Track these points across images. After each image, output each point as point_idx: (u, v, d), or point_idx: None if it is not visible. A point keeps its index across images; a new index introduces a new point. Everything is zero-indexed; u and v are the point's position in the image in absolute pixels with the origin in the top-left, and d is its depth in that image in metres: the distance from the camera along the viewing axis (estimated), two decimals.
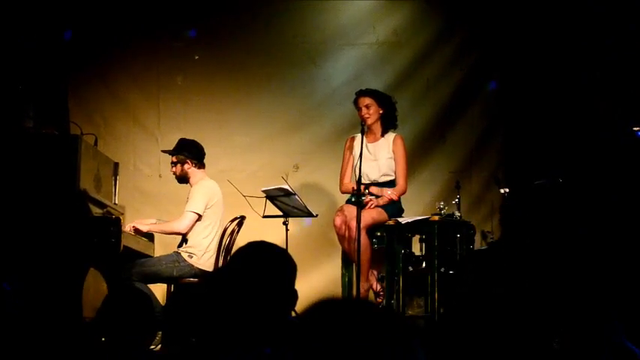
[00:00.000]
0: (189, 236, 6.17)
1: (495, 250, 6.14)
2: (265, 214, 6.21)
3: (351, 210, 5.92)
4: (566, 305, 2.24)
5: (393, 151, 6.22)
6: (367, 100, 6.22)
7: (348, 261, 6.15)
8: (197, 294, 5.96)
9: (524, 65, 7.35)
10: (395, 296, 6.00)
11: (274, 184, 6.24)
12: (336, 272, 6.47)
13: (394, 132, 6.32)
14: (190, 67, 7.67)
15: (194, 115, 7.63)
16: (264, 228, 6.12)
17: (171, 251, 6.25)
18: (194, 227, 6.16)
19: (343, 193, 6.43)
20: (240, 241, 6.05)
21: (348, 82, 7.49)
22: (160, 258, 6.21)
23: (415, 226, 6.07)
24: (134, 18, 7.55)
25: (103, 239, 5.48)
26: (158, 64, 7.66)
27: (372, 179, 6.19)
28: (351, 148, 6.34)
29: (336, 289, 6.25)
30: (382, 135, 6.27)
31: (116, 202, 6.49)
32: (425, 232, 6.10)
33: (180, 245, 6.23)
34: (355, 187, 5.92)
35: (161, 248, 6.70)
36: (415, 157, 7.26)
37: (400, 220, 6.06)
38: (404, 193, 6.26)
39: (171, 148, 6.41)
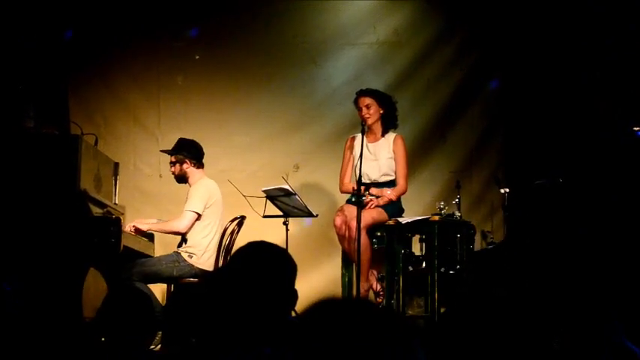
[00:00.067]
0: (188, 236, 6.17)
1: (497, 251, 6.14)
2: (265, 214, 6.21)
3: (352, 210, 5.92)
4: (566, 305, 2.24)
5: (394, 151, 6.22)
6: (367, 100, 6.22)
7: (348, 261, 6.15)
8: (197, 294, 5.96)
9: (524, 65, 7.35)
10: (395, 296, 6.00)
11: (274, 183, 6.24)
12: (336, 272, 6.47)
13: (395, 132, 6.33)
14: (191, 67, 7.67)
15: (194, 114, 7.63)
16: (265, 228, 6.13)
17: (171, 251, 6.25)
18: (193, 227, 6.16)
19: (343, 192, 6.43)
20: (241, 241, 6.04)
21: (348, 82, 7.49)
22: (160, 258, 6.21)
23: (415, 226, 6.07)
24: (134, 18, 7.55)
25: (103, 239, 5.48)
26: (158, 64, 7.66)
27: (373, 179, 6.19)
28: (351, 147, 6.34)
29: (336, 289, 6.25)
30: (383, 135, 6.27)
31: (116, 202, 6.49)
32: (425, 232, 6.10)
33: (179, 245, 6.23)
34: (355, 187, 5.92)
35: (161, 248, 6.70)
36: (415, 157, 7.26)
37: (400, 220, 6.06)
38: (404, 193, 6.26)
39: (171, 147, 6.42)
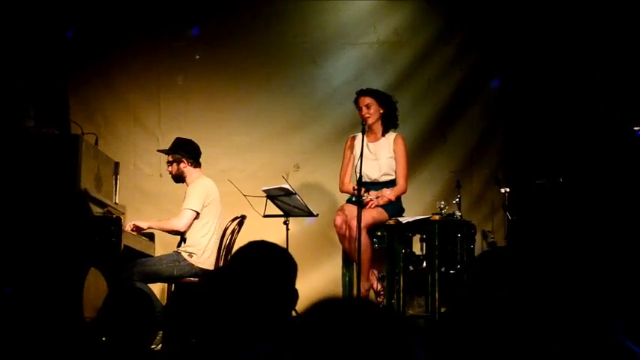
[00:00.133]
0: (187, 235, 6.17)
1: (500, 252, 6.13)
2: (266, 213, 6.22)
3: (352, 209, 5.92)
4: (566, 305, 2.24)
5: (394, 151, 6.22)
6: (367, 100, 6.22)
7: (349, 260, 6.15)
8: (197, 293, 5.96)
9: (524, 65, 7.35)
10: (395, 296, 6.01)
11: (275, 183, 6.25)
12: (336, 272, 6.47)
13: (395, 131, 6.33)
14: (191, 66, 7.67)
15: (194, 114, 7.63)
16: (265, 227, 6.13)
17: (172, 251, 6.26)
18: (192, 226, 6.16)
19: (343, 192, 6.44)
20: (241, 240, 6.04)
21: (348, 82, 7.49)
22: (160, 257, 6.21)
23: (416, 226, 6.07)
24: (134, 18, 7.55)
25: (104, 239, 5.48)
26: (159, 63, 7.66)
27: (373, 179, 6.19)
28: (351, 147, 6.34)
29: (337, 289, 6.25)
30: (383, 134, 6.27)
31: (117, 201, 6.50)
32: (425, 231, 6.10)
33: (179, 245, 6.23)
34: (355, 187, 5.92)
35: (161, 248, 6.71)
36: (416, 157, 7.26)
37: (401, 219, 6.06)
38: (404, 192, 6.26)
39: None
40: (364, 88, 6.37)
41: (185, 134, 6.59)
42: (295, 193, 6.13)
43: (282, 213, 6.29)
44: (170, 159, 6.34)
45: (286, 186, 6.11)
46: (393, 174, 6.23)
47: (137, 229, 6.16)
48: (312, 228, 7.26)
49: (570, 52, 7.05)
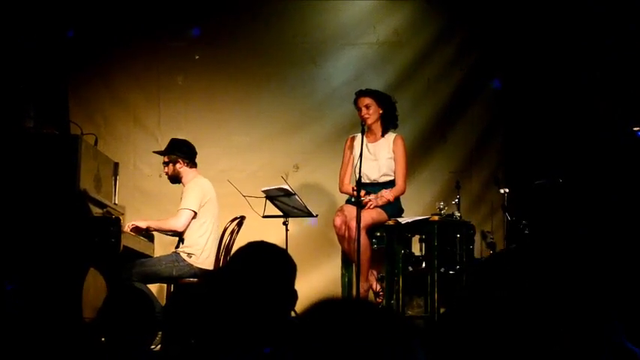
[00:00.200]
0: (185, 236, 6.17)
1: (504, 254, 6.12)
2: (265, 214, 6.22)
3: (351, 210, 5.92)
4: (566, 305, 2.24)
5: (393, 151, 6.22)
6: (367, 100, 6.22)
7: (348, 261, 6.15)
8: (197, 294, 5.96)
9: (524, 65, 7.35)
10: (395, 296, 6.00)
11: (274, 184, 6.24)
12: (335, 272, 6.47)
13: (395, 132, 6.33)
14: (191, 67, 7.67)
15: (194, 114, 7.63)
16: (264, 228, 6.12)
17: (171, 251, 6.26)
18: (190, 226, 6.16)
19: (343, 193, 6.44)
20: (240, 241, 6.04)
21: (348, 82, 7.49)
22: (159, 258, 6.22)
23: (415, 226, 6.07)
24: (134, 18, 7.55)
25: (103, 239, 5.48)
26: (158, 64, 7.66)
27: (372, 179, 6.19)
28: (351, 147, 6.34)
29: (336, 289, 6.24)
30: (382, 135, 6.27)
31: (116, 202, 6.50)
32: (425, 232, 6.10)
33: (177, 246, 6.24)
34: (355, 188, 5.92)
35: (161, 248, 6.71)
36: (415, 157, 7.26)
37: (400, 220, 6.06)
38: (402, 193, 6.25)
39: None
40: (364, 88, 6.37)
41: (185, 134, 6.58)
42: (295, 194, 6.13)
43: (281, 213, 6.29)
44: (166, 160, 6.35)
45: (286, 186, 6.11)
46: (393, 174, 6.22)
47: (136, 230, 6.16)
48: (311, 228, 7.26)
49: (570, 52, 7.05)
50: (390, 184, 6.20)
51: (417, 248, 6.26)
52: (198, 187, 6.22)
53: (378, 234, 6.10)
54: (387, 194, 6.08)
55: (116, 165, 6.59)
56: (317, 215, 6.36)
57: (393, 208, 6.14)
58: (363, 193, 5.94)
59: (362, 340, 1.29)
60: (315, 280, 7.01)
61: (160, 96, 7.67)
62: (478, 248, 6.59)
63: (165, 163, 6.35)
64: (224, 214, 6.37)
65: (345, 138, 6.55)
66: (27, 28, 6.72)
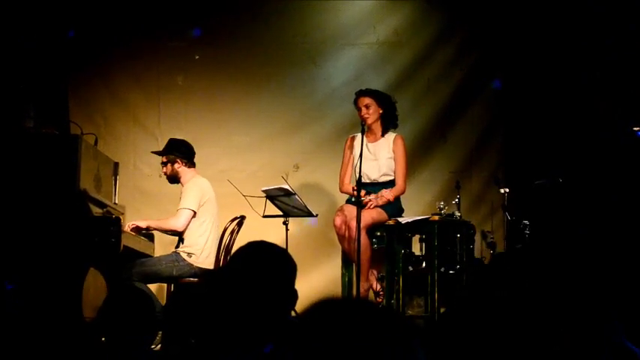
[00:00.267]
0: (185, 236, 6.18)
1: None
2: (265, 213, 6.21)
3: (351, 210, 5.92)
4: (566, 305, 2.24)
5: (393, 151, 6.22)
6: (367, 100, 6.22)
7: (348, 261, 6.15)
8: (197, 294, 5.96)
9: (524, 65, 7.35)
10: (395, 296, 6.00)
11: (274, 183, 6.24)
12: (336, 272, 6.47)
13: (395, 132, 6.32)
14: (191, 66, 7.67)
15: (194, 114, 7.63)
16: (265, 228, 6.12)
17: (171, 251, 6.26)
18: (189, 226, 6.16)
19: (343, 192, 6.44)
20: (241, 240, 6.04)
21: (348, 82, 7.49)
22: (159, 258, 6.22)
23: (415, 226, 6.07)
24: (134, 18, 7.55)
25: (103, 239, 5.48)
26: (158, 63, 7.66)
27: (372, 179, 6.19)
28: (351, 147, 6.34)
29: (336, 289, 6.24)
30: (382, 135, 6.27)
31: (116, 201, 6.50)
32: (425, 231, 6.10)
33: (177, 246, 6.24)
34: (355, 188, 5.92)
35: (161, 248, 6.71)
36: (415, 157, 7.26)
37: (400, 219, 6.06)
38: (402, 193, 6.25)
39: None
40: (364, 88, 6.37)
41: (185, 134, 6.58)
42: (295, 194, 6.13)
43: (281, 213, 6.29)
44: (164, 160, 6.35)
45: (286, 186, 6.11)
46: (393, 174, 6.22)
47: (136, 229, 6.16)
48: (311, 228, 7.26)
49: (570, 52, 7.05)
50: (390, 183, 6.20)
51: (417, 248, 6.26)
52: (197, 186, 6.23)
53: (378, 234, 6.10)
54: (387, 194, 6.08)
55: (116, 165, 6.59)
56: (317, 215, 6.36)
57: (393, 207, 6.14)
58: (363, 192, 5.94)
59: (362, 340, 1.29)
60: (316, 280, 7.01)
61: (160, 96, 7.67)
62: (478, 248, 6.59)
63: (164, 164, 6.36)
64: (224, 214, 6.37)
65: (345, 138, 6.55)
66: (27, 28, 6.72)
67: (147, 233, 6.45)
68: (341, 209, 6.14)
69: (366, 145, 6.07)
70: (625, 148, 6.46)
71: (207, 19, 7.67)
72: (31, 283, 5.21)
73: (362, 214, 5.72)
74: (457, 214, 6.14)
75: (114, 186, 6.52)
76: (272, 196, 6.21)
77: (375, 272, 6.16)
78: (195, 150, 6.44)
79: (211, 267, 6.15)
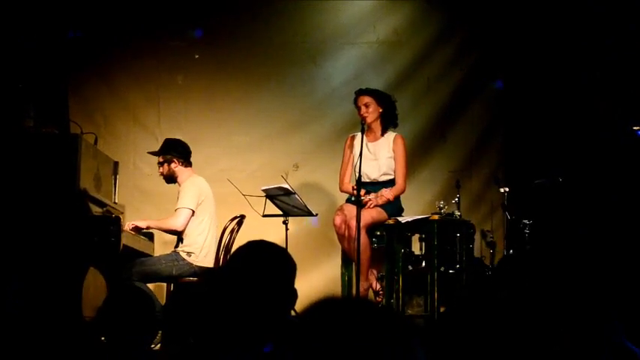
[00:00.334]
0: (184, 235, 6.18)
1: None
2: (265, 213, 6.22)
3: (351, 209, 5.92)
4: (567, 305, 2.24)
5: (393, 151, 6.22)
6: (366, 99, 6.22)
7: (348, 260, 6.15)
8: (197, 293, 5.96)
9: (524, 65, 7.35)
10: (395, 295, 6.00)
11: (274, 183, 6.24)
12: (335, 271, 6.47)
13: (395, 131, 6.32)
14: (191, 66, 7.67)
15: (194, 114, 7.63)
16: (264, 227, 6.13)
17: (170, 251, 6.26)
18: (188, 225, 6.16)
19: (343, 192, 6.43)
20: (240, 240, 6.04)
21: (348, 82, 7.49)
22: (159, 257, 6.22)
23: (415, 226, 6.07)
24: (134, 17, 7.55)
25: (103, 238, 5.48)
26: (158, 63, 7.66)
27: (372, 178, 6.19)
28: (351, 146, 6.34)
29: (336, 289, 6.24)
30: (382, 134, 6.27)
31: (116, 201, 6.50)
32: (425, 231, 6.10)
33: (176, 246, 6.24)
34: (355, 187, 5.92)
35: (160, 247, 6.71)
36: (415, 157, 7.26)
37: (400, 219, 6.06)
38: (402, 192, 6.25)
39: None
40: (363, 87, 6.37)
41: (185, 134, 6.58)
42: (294, 193, 6.13)
43: (281, 213, 6.29)
44: (161, 160, 6.35)
45: (285, 186, 6.11)
46: (393, 174, 6.22)
47: (136, 229, 6.17)
48: (311, 228, 7.26)
49: (570, 52, 7.05)
50: (390, 183, 6.20)
51: (416, 247, 6.26)
52: (194, 185, 6.23)
53: (378, 233, 6.10)
54: (387, 193, 6.08)
55: (116, 164, 6.59)
56: (317, 214, 6.36)
57: (393, 207, 6.14)
58: (363, 192, 5.94)
59: (362, 340, 1.29)
60: (315, 279, 7.01)
61: (160, 95, 7.67)
62: (478, 247, 6.60)
63: (160, 164, 6.36)
64: (224, 214, 6.37)
65: (344, 137, 6.54)
66: (27, 28, 6.72)
67: (146, 232, 6.46)
68: (341, 209, 6.14)
69: (366, 144, 6.07)
70: (625, 148, 6.46)
71: (207, 19, 7.67)
72: (31, 282, 5.21)
73: (362, 213, 5.72)
74: (457, 213, 6.14)
75: (114, 185, 6.52)
76: (272, 195, 6.21)
77: (374, 272, 6.16)
78: (195, 150, 6.44)
79: (211, 265, 6.16)
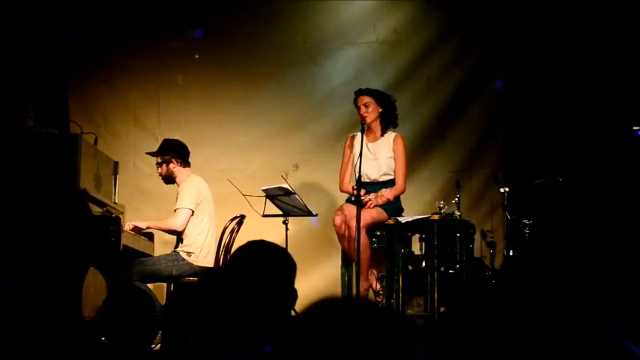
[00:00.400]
0: (184, 235, 6.18)
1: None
2: (265, 213, 6.21)
3: (351, 209, 5.92)
4: (567, 305, 2.24)
5: (393, 150, 6.22)
6: (366, 99, 6.22)
7: (348, 260, 6.15)
8: (197, 293, 5.96)
9: (524, 65, 7.35)
10: (395, 295, 6.00)
11: (274, 183, 6.24)
12: (335, 271, 6.46)
13: (395, 131, 6.32)
14: (191, 66, 7.67)
15: (194, 114, 7.63)
16: (264, 227, 6.13)
17: (170, 251, 6.26)
18: (188, 225, 6.17)
19: (343, 192, 6.43)
20: (240, 240, 6.04)
21: (348, 81, 7.49)
22: (159, 257, 6.22)
23: (415, 226, 6.07)
24: (134, 18, 7.55)
25: (103, 238, 5.48)
26: (158, 63, 7.66)
27: (372, 178, 6.19)
28: (351, 146, 6.34)
29: (336, 289, 6.24)
30: (382, 134, 6.27)
31: (116, 201, 6.50)
32: (425, 231, 6.10)
33: (176, 246, 6.25)
34: (355, 187, 5.92)
35: (160, 247, 6.71)
36: (415, 157, 7.26)
37: (400, 219, 6.06)
38: (402, 192, 6.25)
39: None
40: (363, 87, 6.37)
41: (185, 134, 6.59)
42: (294, 193, 6.13)
43: (281, 213, 6.29)
44: (159, 160, 6.35)
45: (285, 186, 6.11)
46: (393, 174, 6.22)
47: (136, 229, 6.17)
48: (311, 228, 7.26)
49: (570, 52, 7.05)
50: (390, 183, 6.20)
51: (416, 247, 6.26)
52: (193, 185, 6.23)
53: (378, 233, 6.10)
54: (387, 193, 6.08)
55: (116, 164, 6.59)
56: (317, 214, 6.36)
57: (393, 207, 6.14)
58: (363, 192, 5.94)
59: (362, 340, 1.29)
60: (315, 280, 7.01)
61: (160, 95, 7.67)
62: (478, 247, 6.60)
63: (159, 164, 6.36)
64: (224, 214, 6.37)
65: (344, 137, 6.54)
66: (27, 28, 6.72)
67: (146, 232, 6.45)
68: (341, 209, 6.14)
69: (366, 144, 6.07)
70: (625, 148, 6.46)
71: (207, 19, 7.67)
72: (30, 282, 5.21)
73: (362, 213, 5.72)
74: (457, 213, 6.14)
75: (114, 185, 6.52)
76: (272, 195, 6.21)
77: (374, 272, 6.16)
78: (195, 150, 6.44)
79: (211, 265, 6.16)
